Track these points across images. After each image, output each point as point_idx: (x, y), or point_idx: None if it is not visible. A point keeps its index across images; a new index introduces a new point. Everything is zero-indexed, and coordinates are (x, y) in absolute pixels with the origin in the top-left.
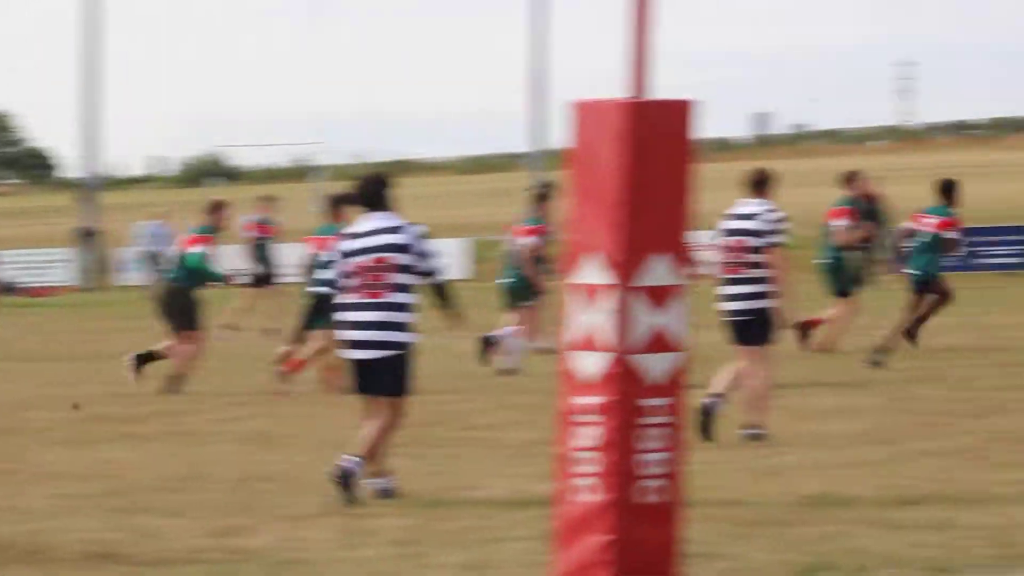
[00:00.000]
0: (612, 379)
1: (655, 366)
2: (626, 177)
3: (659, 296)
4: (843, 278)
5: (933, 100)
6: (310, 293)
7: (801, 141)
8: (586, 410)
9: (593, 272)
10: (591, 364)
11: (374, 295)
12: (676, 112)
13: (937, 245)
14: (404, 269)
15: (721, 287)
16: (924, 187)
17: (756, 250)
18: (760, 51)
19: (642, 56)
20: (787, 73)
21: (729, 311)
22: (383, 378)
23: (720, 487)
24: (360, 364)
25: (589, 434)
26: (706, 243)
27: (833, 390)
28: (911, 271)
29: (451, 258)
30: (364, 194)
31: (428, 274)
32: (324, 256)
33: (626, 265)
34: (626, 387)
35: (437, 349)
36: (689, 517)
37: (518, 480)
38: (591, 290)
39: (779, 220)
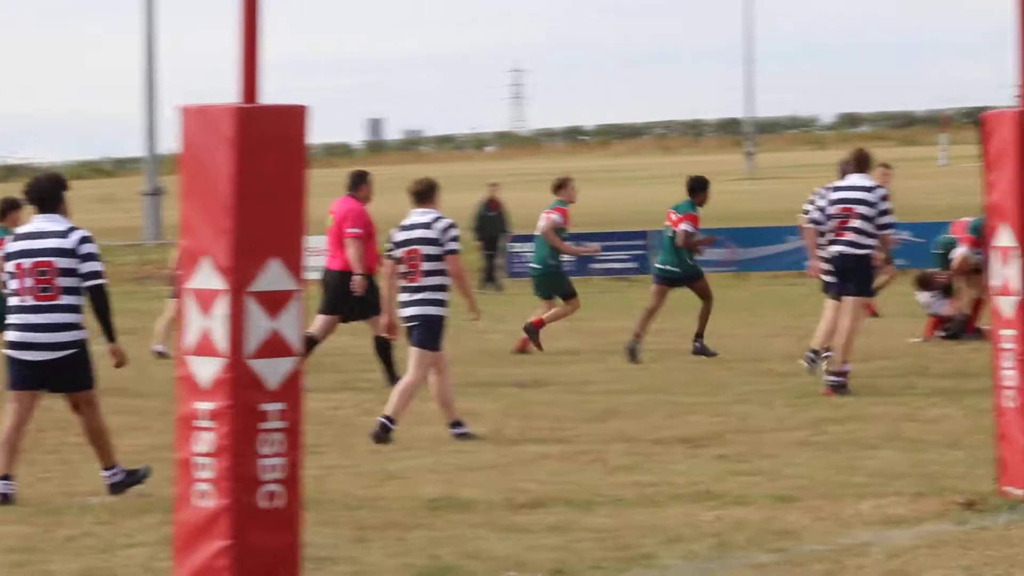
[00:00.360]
0: (227, 384)
1: (270, 371)
2: (236, 182)
3: (273, 301)
4: (564, 280)
5: (544, 106)
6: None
7: (414, 146)
8: (203, 415)
9: (207, 277)
10: (206, 369)
11: (44, 298)
12: (288, 117)
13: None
14: (67, 273)
15: (401, 294)
16: (537, 192)
17: (431, 258)
18: (375, 56)
19: (252, 61)
20: (401, 78)
21: (406, 317)
22: (66, 377)
23: (340, 491)
24: (30, 365)
25: (206, 439)
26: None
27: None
28: (658, 266)
29: None
30: (34, 194)
31: (88, 278)
32: None
33: (239, 270)
34: (241, 392)
35: None
36: (309, 521)
37: (137, 486)
38: (205, 295)
39: (450, 227)
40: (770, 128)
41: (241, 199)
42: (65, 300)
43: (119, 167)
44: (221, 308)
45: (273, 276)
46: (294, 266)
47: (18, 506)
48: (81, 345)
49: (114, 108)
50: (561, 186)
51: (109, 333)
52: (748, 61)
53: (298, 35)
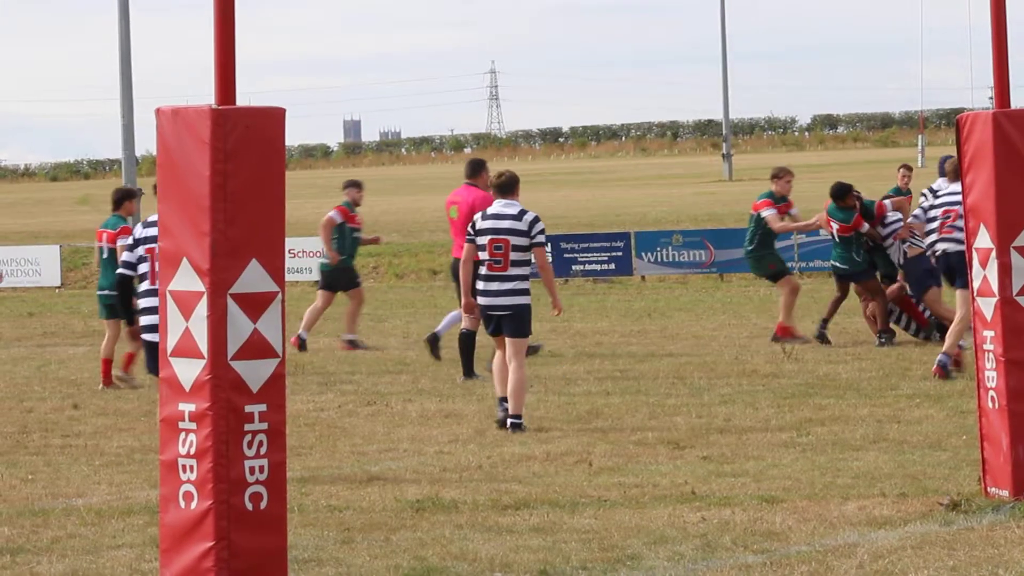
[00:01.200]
0: (209, 386)
1: (252, 373)
2: (214, 184)
3: (254, 302)
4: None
5: (521, 108)
6: (120, 279)
7: (391, 148)
8: (186, 417)
9: (186, 279)
10: (188, 371)
11: None
12: (265, 119)
13: (842, 242)
14: None
15: (484, 283)
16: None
17: (519, 249)
18: (352, 58)
19: (228, 63)
20: (379, 80)
21: (493, 305)
22: None
23: (324, 493)
24: (153, 347)
25: (189, 441)
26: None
27: (434, 396)
28: (834, 264)
29: (40, 265)
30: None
31: None
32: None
33: (218, 272)
34: (223, 394)
35: (32, 357)
36: (294, 523)
37: (121, 488)
38: (185, 297)
39: (537, 221)
40: (747, 130)
41: (218, 201)
42: None
43: (96, 169)
44: (202, 310)
45: (253, 277)
46: (274, 267)
47: (4, 508)
48: None
49: (92, 110)
50: (777, 176)
51: None
52: (724, 63)
53: (275, 37)
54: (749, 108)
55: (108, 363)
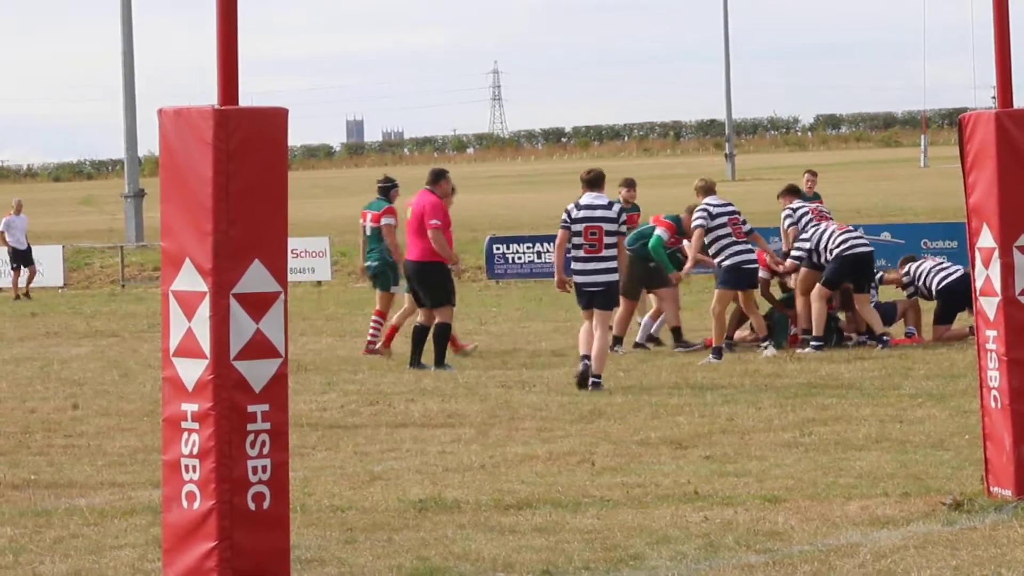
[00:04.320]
0: (211, 386)
1: (255, 373)
2: (217, 184)
3: (257, 303)
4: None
5: (524, 108)
6: None
7: (393, 148)
8: (188, 417)
9: (189, 279)
10: (191, 371)
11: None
12: (268, 119)
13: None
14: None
15: (581, 263)
16: (516, 194)
17: (609, 234)
18: (355, 58)
19: (230, 63)
20: (381, 80)
21: (589, 283)
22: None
23: (327, 493)
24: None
25: (192, 441)
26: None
27: (436, 396)
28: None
29: (43, 265)
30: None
31: None
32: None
33: (220, 272)
34: (226, 394)
35: (35, 357)
36: (296, 523)
37: (123, 488)
38: (188, 297)
39: (623, 211)
40: (750, 130)
41: (221, 201)
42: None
43: (99, 169)
44: (204, 310)
45: (256, 278)
46: (277, 267)
47: (7, 508)
48: None
49: (95, 110)
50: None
51: None
52: (727, 62)
53: (278, 36)
54: (752, 108)
55: (395, 329)
